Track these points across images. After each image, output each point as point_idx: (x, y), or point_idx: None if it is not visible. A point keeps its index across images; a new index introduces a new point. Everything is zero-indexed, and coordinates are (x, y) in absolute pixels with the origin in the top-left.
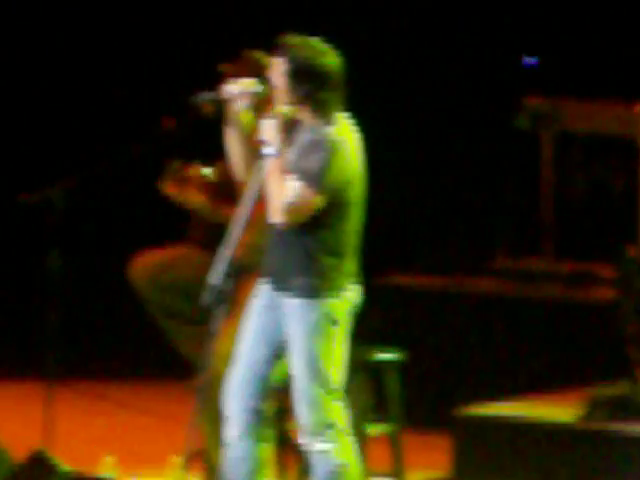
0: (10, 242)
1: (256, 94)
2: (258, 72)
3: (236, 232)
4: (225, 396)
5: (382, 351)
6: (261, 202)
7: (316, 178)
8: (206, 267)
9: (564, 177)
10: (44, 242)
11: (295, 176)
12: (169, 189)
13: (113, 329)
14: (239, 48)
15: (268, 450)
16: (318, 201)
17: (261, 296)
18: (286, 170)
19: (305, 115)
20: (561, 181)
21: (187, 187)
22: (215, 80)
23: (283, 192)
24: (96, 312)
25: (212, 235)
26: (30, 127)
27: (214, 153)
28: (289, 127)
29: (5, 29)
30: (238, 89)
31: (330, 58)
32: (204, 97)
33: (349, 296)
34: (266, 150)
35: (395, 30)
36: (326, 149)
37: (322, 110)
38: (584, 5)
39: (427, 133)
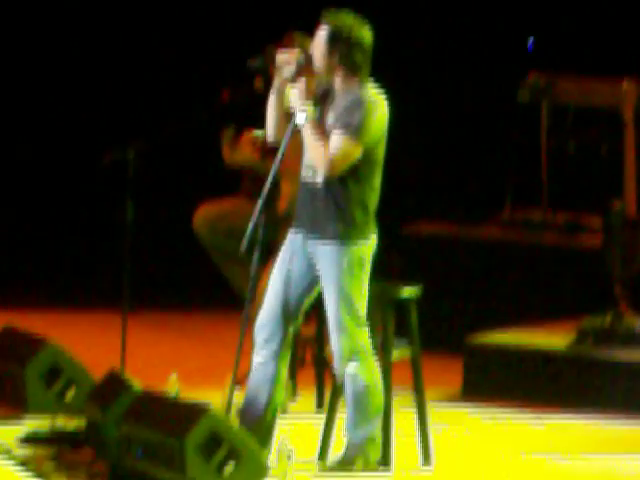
0: (92, 194)
1: (300, 64)
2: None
3: (266, 187)
4: (256, 327)
5: (406, 288)
6: (297, 156)
7: (358, 130)
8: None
9: (559, 142)
10: (121, 195)
11: (338, 131)
12: (225, 151)
13: (178, 269)
14: (286, 27)
15: (285, 372)
16: (359, 151)
17: (291, 243)
18: (326, 130)
19: (339, 80)
20: (557, 145)
21: (240, 148)
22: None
23: (326, 149)
24: (164, 253)
25: (261, 188)
26: (106, 96)
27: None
28: (323, 96)
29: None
30: (287, 58)
31: (364, 28)
32: (257, 64)
33: (372, 243)
34: (299, 118)
35: (420, 17)
36: (365, 106)
37: (356, 73)
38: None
39: (449, 107)
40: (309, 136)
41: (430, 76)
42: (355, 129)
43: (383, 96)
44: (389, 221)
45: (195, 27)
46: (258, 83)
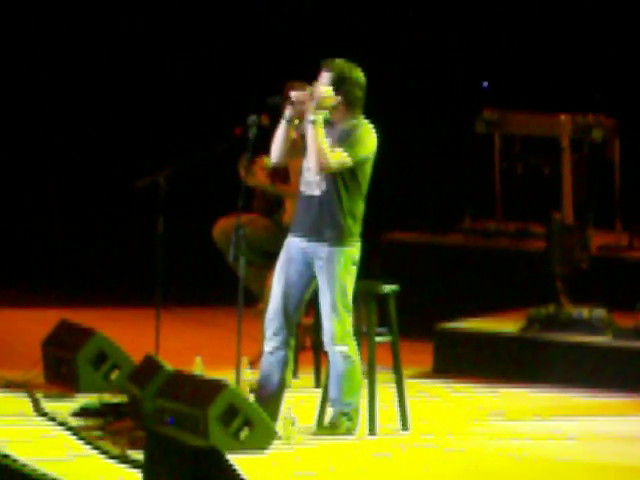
0: (130, 212)
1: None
2: None
3: (238, 208)
4: (265, 321)
5: (385, 285)
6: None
7: (353, 145)
8: (265, 228)
9: (509, 165)
10: (155, 210)
11: (338, 147)
12: (241, 174)
13: (201, 271)
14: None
15: (292, 355)
16: (350, 162)
17: (291, 247)
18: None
19: (339, 113)
20: (507, 167)
21: (254, 173)
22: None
23: (327, 150)
24: (189, 259)
25: (270, 205)
26: (142, 131)
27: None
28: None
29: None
30: (301, 95)
31: (359, 70)
32: (275, 100)
33: (359, 245)
34: (310, 118)
35: (401, 66)
36: (361, 129)
37: (354, 107)
38: (525, 46)
39: (420, 137)
40: (316, 135)
41: (407, 113)
42: (350, 144)
43: (372, 126)
44: (370, 231)
45: (216, 75)
46: (264, 120)
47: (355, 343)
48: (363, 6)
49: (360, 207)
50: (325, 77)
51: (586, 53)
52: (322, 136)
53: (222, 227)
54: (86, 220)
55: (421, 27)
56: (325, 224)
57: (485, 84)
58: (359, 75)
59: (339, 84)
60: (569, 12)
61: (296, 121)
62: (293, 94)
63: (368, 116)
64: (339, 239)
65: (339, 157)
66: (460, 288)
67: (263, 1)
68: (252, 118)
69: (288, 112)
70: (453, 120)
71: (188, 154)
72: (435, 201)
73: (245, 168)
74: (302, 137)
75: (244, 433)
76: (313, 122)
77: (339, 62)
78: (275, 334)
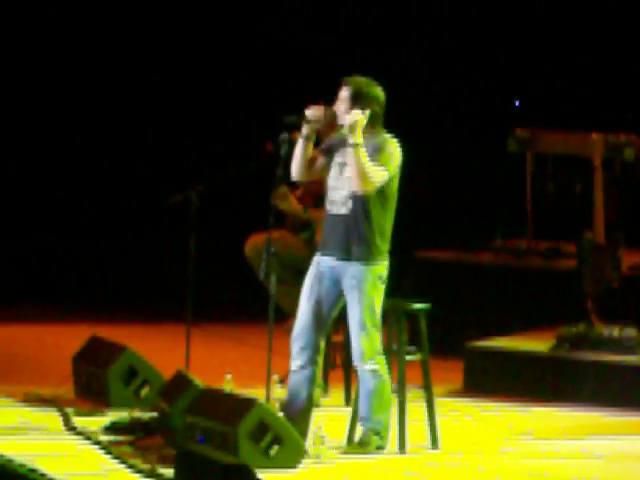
0: (161, 228)
1: (329, 117)
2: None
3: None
4: (292, 338)
5: (416, 303)
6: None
7: (387, 161)
8: (296, 246)
9: (541, 183)
10: (185, 228)
11: (373, 164)
12: (276, 202)
13: (233, 287)
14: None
15: (319, 372)
16: (386, 177)
17: (320, 265)
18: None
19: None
20: (539, 186)
21: (288, 198)
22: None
23: (369, 172)
24: (220, 275)
25: (301, 225)
26: (174, 148)
27: None
28: (338, 145)
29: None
30: (316, 112)
31: (378, 86)
32: (292, 120)
33: (387, 263)
34: (350, 141)
35: (434, 85)
36: (389, 144)
37: (374, 123)
38: (558, 65)
39: (454, 157)
40: (358, 157)
41: (439, 132)
42: (385, 160)
43: (397, 141)
44: (402, 249)
45: (243, 92)
46: (295, 135)
47: (384, 360)
48: (395, 25)
49: (388, 224)
50: (344, 94)
51: (618, 73)
52: (364, 158)
53: (253, 244)
54: (118, 236)
55: (453, 46)
56: (353, 242)
57: (517, 103)
58: (377, 91)
59: (357, 100)
60: (601, 32)
61: (314, 138)
62: (308, 112)
63: (399, 134)
64: (367, 257)
65: (380, 174)
66: (491, 306)
67: (295, 19)
68: (283, 135)
69: (304, 130)
70: (485, 139)
71: (220, 171)
72: (466, 219)
73: (279, 195)
74: (322, 152)
75: (274, 450)
76: (354, 145)
77: (358, 79)
78: (302, 351)
